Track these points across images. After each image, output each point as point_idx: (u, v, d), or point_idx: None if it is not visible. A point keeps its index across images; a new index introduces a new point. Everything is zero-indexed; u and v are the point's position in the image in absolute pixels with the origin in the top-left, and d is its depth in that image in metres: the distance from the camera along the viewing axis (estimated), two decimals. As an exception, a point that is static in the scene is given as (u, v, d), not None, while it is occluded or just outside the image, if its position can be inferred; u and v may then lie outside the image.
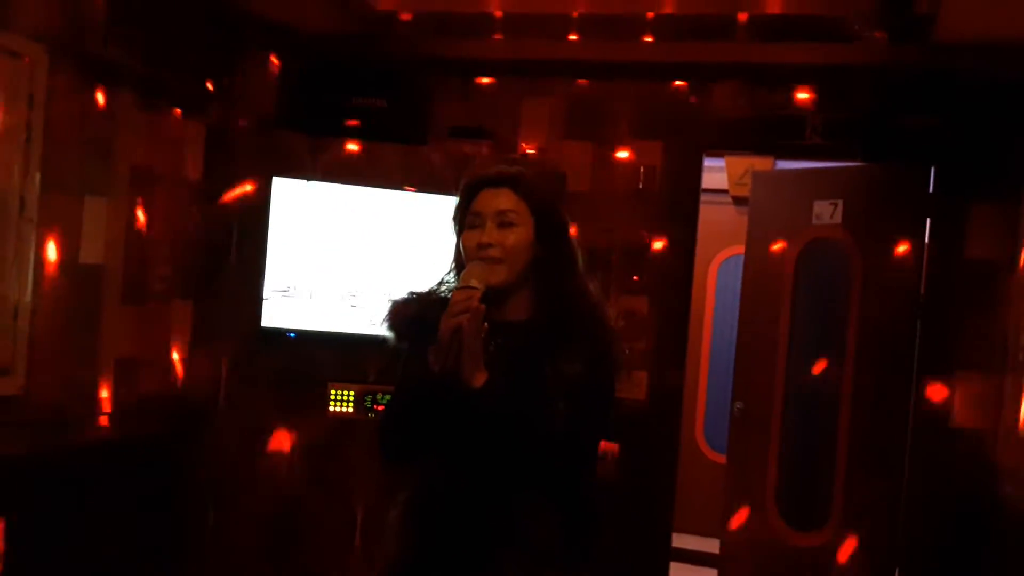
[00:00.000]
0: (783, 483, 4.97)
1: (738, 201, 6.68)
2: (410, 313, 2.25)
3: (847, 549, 4.68)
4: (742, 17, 4.48)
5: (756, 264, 5.17)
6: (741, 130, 4.73)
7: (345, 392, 4.60)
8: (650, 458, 4.73)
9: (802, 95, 4.64)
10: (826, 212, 4.85)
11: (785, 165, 5.83)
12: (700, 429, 7.07)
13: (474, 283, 2.08)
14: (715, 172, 6.46)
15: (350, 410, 4.61)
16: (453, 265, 2.30)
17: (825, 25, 4.35)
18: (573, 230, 2.30)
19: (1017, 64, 4.13)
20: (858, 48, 4.39)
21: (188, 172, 4.31)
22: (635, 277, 4.76)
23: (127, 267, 3.95)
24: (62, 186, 3.55)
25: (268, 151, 4.60)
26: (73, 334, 3.70)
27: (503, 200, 2.20)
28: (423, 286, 2.32)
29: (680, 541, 5.38)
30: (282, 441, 4.60)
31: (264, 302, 4.43)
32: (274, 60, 4.74)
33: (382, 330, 2.28)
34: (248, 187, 4.56)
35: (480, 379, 2.04)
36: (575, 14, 4.60)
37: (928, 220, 4.56)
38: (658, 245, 4.75)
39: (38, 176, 3.43)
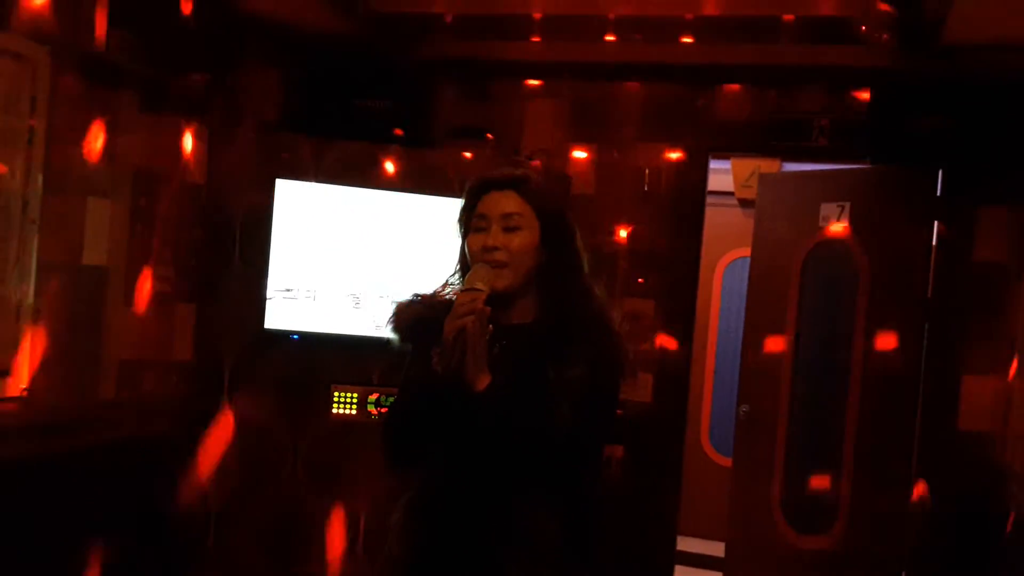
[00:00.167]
0: (789, 486, 4.96)
1: (744, 203, 6.67)
2: (414, 315, 2.26)
3: (853, 553, 4.67)
4: (748, 19, 4.48)
5: (762, 267, 5.17)
6: (747, 132, 4.73)
7: (348, 394, 4.60)
8: (655, 461, 4.73)
9: (809, 97, 4.64)
10: (833, 214, 4.85)
11: (792, 167, 5.83)
12: (705, 432, 7.06)
13: (479, 285, 2.08)
14: (721, 174, 6.45)
15: (353, 412, 4.61)
16: (458, 267, 2.30)
17: (832, 27, 4.35)
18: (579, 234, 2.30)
19: (1025, 66, 4.13)
20: (865, 50, 4.39)
21: (191, 174, 4.31)
22: (640, 280, 4.77)
23: (130, 269, 3.95)
24: (65, 188, 3.56)
25: (271, 153, 4.60)
26: (76, 336, 3.71)
27: (509, 203, 2.20)
28: (427, 288, 2.33)
29: (685, 544, 5.37)
30: (285, 443, 4.60)
31: (267, 303, 4.42)
32: (277, 61, 4.74)
33: (386, 332, 2.28)
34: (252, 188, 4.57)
35: (484, 381, 2.05)
36: (583, 16, 4.60)
37: (936, 223, 4.56)
38: (664, 248, 4.75)
39: (40, 178, 3.43)
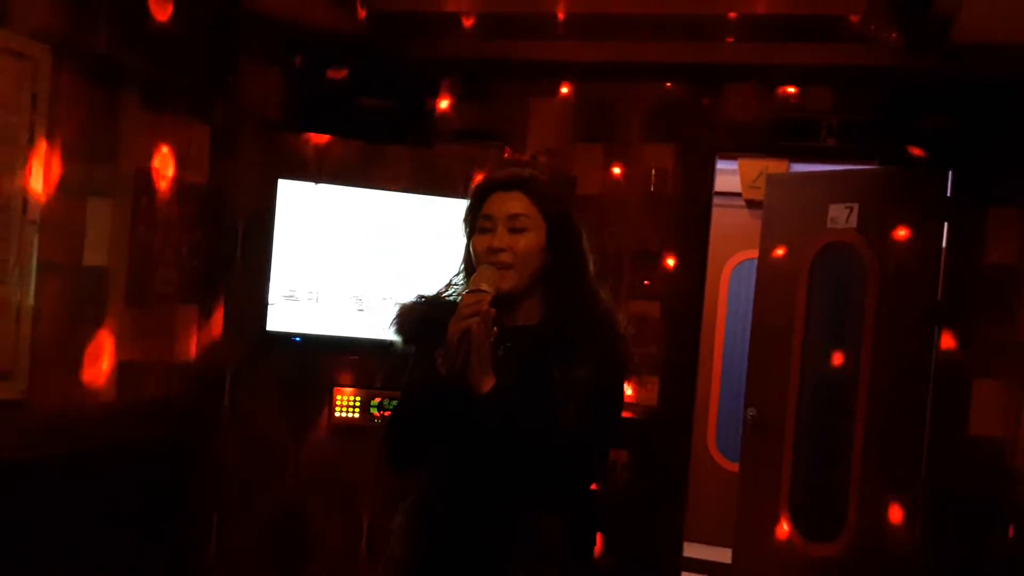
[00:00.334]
0: (797, 492, 4.96)
1: (751, 204, 6.67)
2: (418, 316, 2.27)
3: (862, 560, 4.67)
4: (756, 17, 4.48)
5: (770, 269, 5.17)
6: (755, 132, 4.73)
7: (351, 397, 4.61)
8: (661, 465, 4.73)
9: (817, 96, 4.64)
10: (841, 216, 4.85)
11: (800, 168, 5.83)
12: (712, 436, 7.06)
13: (484, 287, 2.08)
14: (728, 175, 6.46)
15: (356, 416, 4.61)
16: (462, 268, 2.31)
17: (841, 25, 4.35)
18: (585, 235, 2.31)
19: (1036, 66, 4.13)
20: (874, 49, 4.39)
21: (193, 174, 4.32)
22: (646, 282, 4.77)
23: (131, 270, 3.96)
24: (65, 188, 3.56)
25: (273, 153, 4.61)
26: (76, 338, 3.72)
27: (515, 204, 2.21)
28: (431, 289, 2.34)
29: (691, 550, 5.38)
30: (287, 447, 4.61)
31: (269, 304, 4.42)
32: (280, 60, 4.75)
33: (389, 334, 2.29)
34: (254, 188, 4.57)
35: (488, 383, 2.05)
36: (588, 14, 4.60)
37: (946, 224, 4.56)
38: (670, 249, 4.75)
39: (41, 178, 3.44)
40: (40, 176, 3.44)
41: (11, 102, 3.34)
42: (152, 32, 3.97)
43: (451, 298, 2.28)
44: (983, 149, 4.42)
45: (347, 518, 4.63)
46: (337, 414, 4.61)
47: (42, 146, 3.43)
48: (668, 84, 4.81)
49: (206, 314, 4.46)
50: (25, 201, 3.41)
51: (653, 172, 4.79)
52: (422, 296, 2.32)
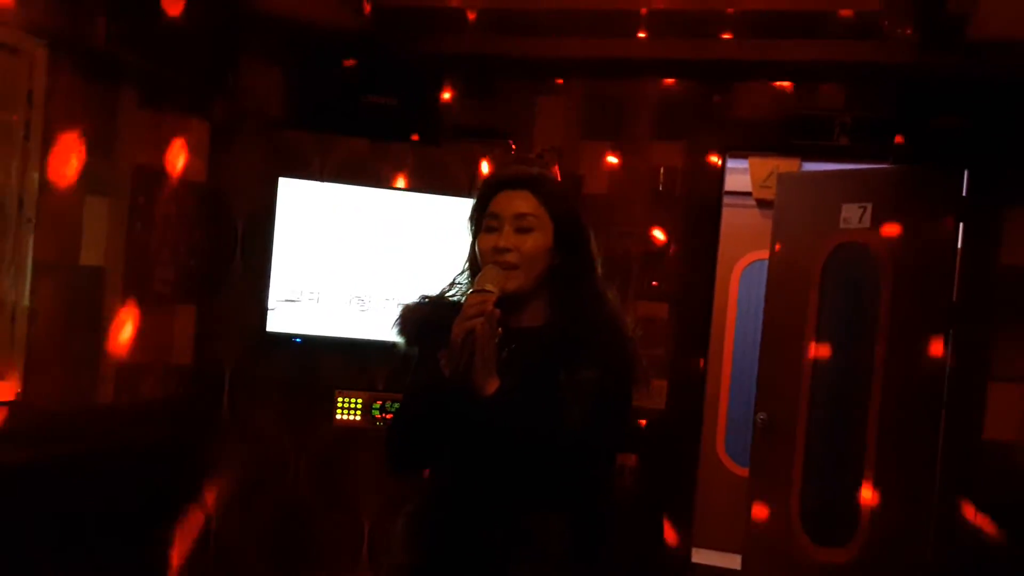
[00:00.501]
0: (808, 497, 4.95)
1: (762, 204, 6.65)
2: (421, 317, 2.26)
3: (874, 566, 4.65)
4: (767, 13, 4.47)
5: (781, 270, 5.16)
6: (766, 130, 4.73)
7: (352, 400, 4.60)
8: (669, 470, 4.72)
9: (830, 94, 4.63)
10: (854, 216, 4.84)
11: (812, 167, 5.81)
12: (721, 441, 7.04)
13: (489, 287, 2.08)
14: (738, 174, 6.45)
15: (358, 418, 4.61)
16: (467, 267, 2.30)
17: (854, 22, 4.34)
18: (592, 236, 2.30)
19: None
20: (888, 46, 4.38)
21: (192, 172, 4.32)
22: (654, 283, 4.76)
23: (128, 270, 3.96)
24: (62, 186, 3.56)
25: (275, 151, 4.61)
26: (73, 338, 3.72)
27: (522, 203, 2.20)
28: (434, 289, 2.33)
29: (700, 556, 5.36)
30: (287, 450, 4.61)
31: (269, 305, 4.42)
32: (281, 57, 4.74)
33: (392, 335, 2.28)
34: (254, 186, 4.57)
35: (492, 385, 2.05)
36: (595, 11, 4.60)
37: (961, 224, 4.55)
38: (679, 250, 4.74)
39: (37, 175, 3.45)
40: (36, 174, 3.44)
41: (7, 98, 3.34)
42: (151, 27, 3.97)
43: (455, 298, 2.27)
44: (999, 148, 4.40)
45: (348, 523, 4.63)
46: (339, 417, 4.60)
47: (38, 143, 3.43)
48: (677, 81, 4.79)
49: (205, 315, 4.46)
50: (21, 199, 3.42)
51: (661, 171, 4.78)
52: (425, 296, 2.31)
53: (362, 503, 4.60)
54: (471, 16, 4.63)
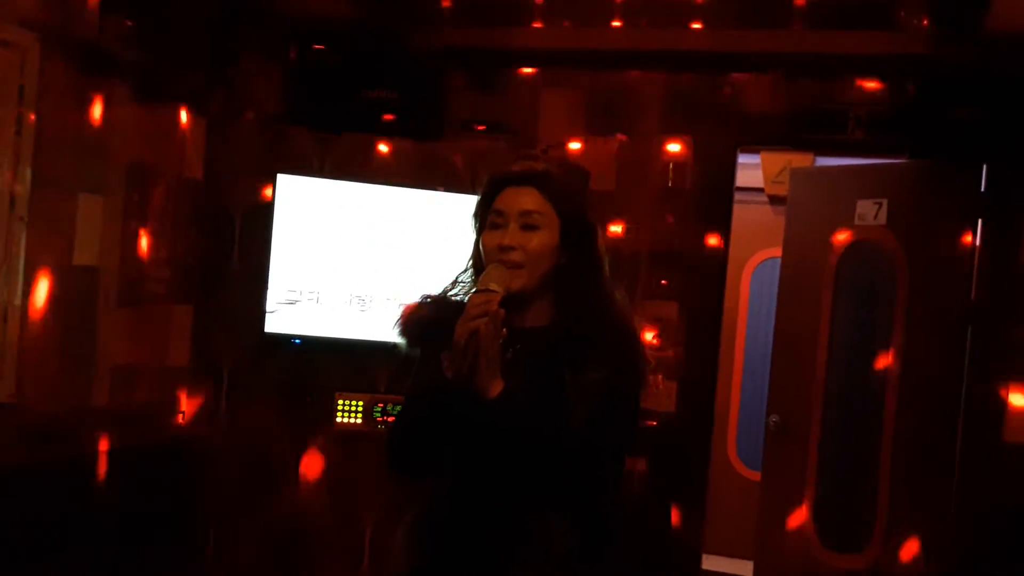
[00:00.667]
0: (822, 502, 4.94)
1: (775, 200, 6.65)
2: (423, 317, 2.26)
3: (890, 573, 4.65)
4: (779, 3, 4.46)
5: (794, 268, 5.15)
6: (778, 124, 4.71)
7: (353, 402, 4.61)
8: (679, 474, 4.71)
9: (844, 87, 4.62)
10: (869, 212, 4.83)
11: (825, 162, 5.81)
12: (733, 444, 7.04)
13: (493, 286, 2.08)
14: (750, 169, 6.44)
15: (358, 421, 4.61)
16: (471, 265, 2.30)
17: (869, 12, 4.33)
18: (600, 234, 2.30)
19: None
20: (905, 37, 4.37)
21: (188, 169, 4.32)
22: (664, 281, 4.75)
23: (123, 269, 3.97)
24: (55, 183, 3.57)
25: (273, 147, 4.62)
26: (66, 340, 3.72)
27: (528, 200, 2.20)
28: (437, 289, 2.33)
29: (711, 563, 5.36)
30: (286, 454, 4.61)
31: (268, 305, 4.42)
32: (279, 50, 4.74)
33: (393, 335, 2.28)
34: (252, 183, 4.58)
35: (496, 387, 2.04)
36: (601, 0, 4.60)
37: (979, 221, 4.53)
38: (688, 247, 4.73)
39: (29, 172, 3.45)
40: (28, 171, 3.45)
41: (-2, 93, 3.35)
42: (145, 20, 3.97)
43: (458, 298, 2.27)
44: (1019, 142, 4.38)
45: (349, 529, 4.63)
46: (339, 420, 4.61)
47: (30, 139, 3.44)
48: (687, 73, 4.78)
49: (201, 315, 4.47)
50: (12, 197, 3.42)
51: (671, 166, 4.77)
52: (427, 296, 2.31)
53: (363, 508, 4.61)
54: (473, 7, 4.63)
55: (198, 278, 4.43)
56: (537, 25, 4.72)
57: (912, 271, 4.69)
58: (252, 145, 4.59)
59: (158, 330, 4.23)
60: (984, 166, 4.53)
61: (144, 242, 4.08)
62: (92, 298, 3.84)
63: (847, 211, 4.90)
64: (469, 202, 2.32)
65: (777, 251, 5.47)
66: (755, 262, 7.03)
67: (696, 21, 4.59)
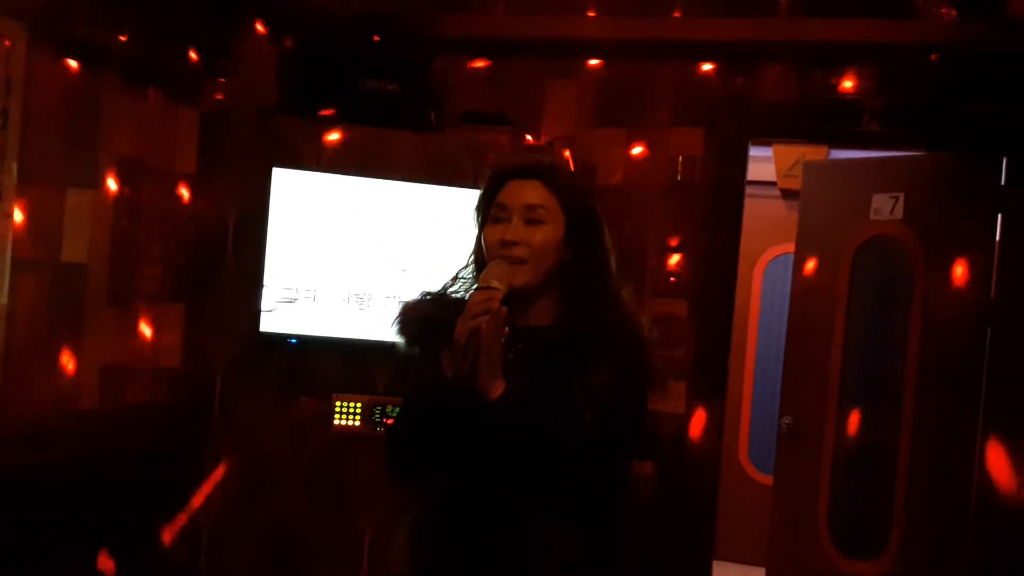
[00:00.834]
0: (836, 507, 4.94)
1: (787, 194, 6.65)
2: (422, 315, 2.26)
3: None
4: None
5: (807, 264, 5.14)
6: (791, 116, 4.71)
7: (351, 404, 4.60)
8: (689, 478, 4.71)
9: (859, 77, 4.61)
10: (886, 206, 4.82)
11: (840, 154, 5.80)
12: (744, 446, 7.04)
13: (495, 283, 2.07)
14: (762, 162, 6.43)
15: (357, 424, 4.60)
16: (472, 260, 2.30)
17: (886, -1, 4.33)
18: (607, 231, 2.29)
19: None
20: (922, 25, 4.36)
21: (180, 162, 4.32)
22: (672, 279, 4.75)
23: (113, 266, 3.96)
24: (42, 177, 3.56)
25: (268, 139, 4.60)
26: (54, 340, 3.71)
27: (532, 194, 2.20)
28: (437, 286, 2.32)
29: (721, 570, 5.36)
30: (282, 457, 4.60)
31: (263, 304, 4.41)
32: (275, 40, 4.74)
33: (392, 334, 2.27)
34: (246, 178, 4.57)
35: (498, 388, 2.04)
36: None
37: (999, 215, 4.53)
38: (698, 243, 4.73)
39: (15, 166, 3.44)
40: (15, 165, 3.44)
41: (-17, 84, 3.34)
42: (136, 10, 3.96)
43: (459, 295, 2.27)
44: (1041, 134, 4.39)
45: (347, 534, 4.62)
46: (337, 422, 4.60)
47: (16, 132, 3.43)
48: (697, 63, 4.77)
49: (194, 314, 4.46)
50: (-2, 192, 3.41)
51: (680, 159, 4.77)
52: (427, 293, 2.31)
53: (362, 513, 4.60)
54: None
55: (190, 276, 4.42)
56: (542, 14, 4.70)
57: (929, 267, 4.69)
58: (247, 138, 4.57)
59: (149, 330, 4.22)
60: (1004, 159, 4.53)
61: (135, 239, 4.07)
62: (81, 296, 3.83)
63: (862, 205, 4.90)
64: (471, 196, 2.32)
65: (790, 247, 5.46)
66: (767, 258, 7.03)
67: (706, 9, 4.57)
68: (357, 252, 4.52)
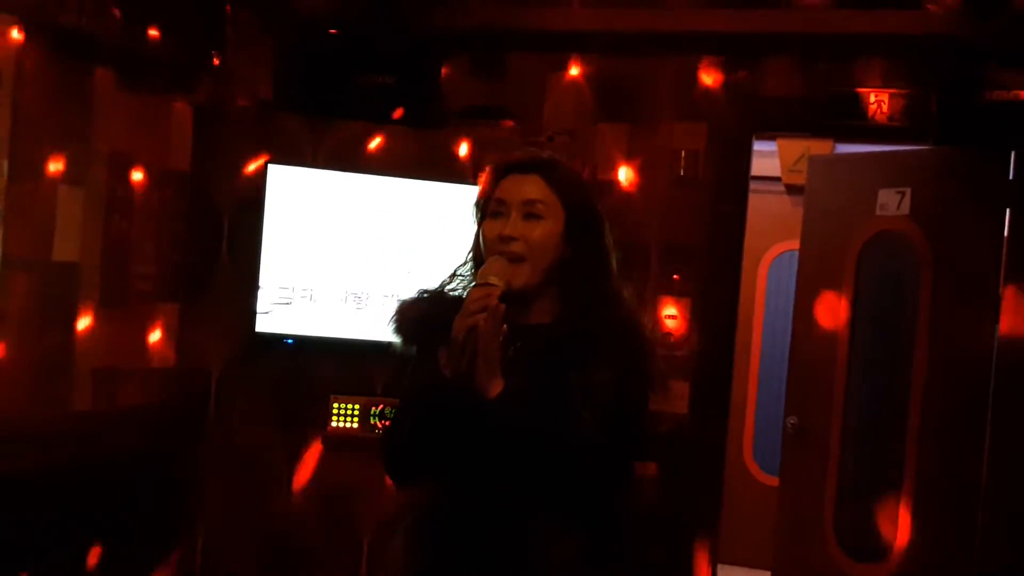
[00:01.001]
0: (843, 508, 4.93)
1: (792, 190, 6.65)
2: (419, 313, 2.26)
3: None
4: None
5: (812, 261, 5.14)
6: (795, 109, 4.70)
7: (349, 405, 4.60)
8: (692, 480, 4.70)
9: (866, 70, 4.60)
10: (892, 202, 4.81)
11: (845, 149, 5.80)
12: (749, 447, 7.04)
13: (493, 280, 2.07)
14: (766, 157, 6.44)
15: (355, 426, 4.60)
16: (471, 257, 2.30)
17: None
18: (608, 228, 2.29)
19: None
20: (930, 16, 4.35)
21: (174, 159, 4.31)
22: (675, 276, 4.74)
23: (105, 265, 3.95)
24: (33, 174, 3.55)
25: (264, 135, 4.60)
26: (45, 340, 3.71)
27: (532, 188, 2.20)
28: (434, 283, 2.32)
29: (726, 574, 5.35)
30: (279, 460, 4.60)
31: (259, 303, 4.41)
32: (270, 34, 4.74)
33: (388, 333, 2.27)
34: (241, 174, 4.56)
35: (496, 387, 2.03)
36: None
37: (1008, 211, 4.51)
38: (701, 240, 4.72)
39: (6, 163, 3.44)
40: (5, 162, 3.44)
41: (-28, 79, 3.33)
42: (130, 3, 3.95)
43: (456, 293, 2.27)
44: (1051, 128, 4.38)
45: (345, 538, 4.62)
46: (334, 424, 4.60)
47: (7, 128, 3.42)
48: (700, 56, 4.77)
49: (189, 314, 4.46)
50: (-12, 189, 3.41)
51: (683, 154, 4.76)
52: (424, 291, 2.31)
53: (360, 517, 4.60)
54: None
55: (185, 275, 4.42)
56: (543, 6, 4.70)
57: (937, 263, 4.68)
58: (242, 133, 4.58)
59: (143, 330, 4.22)
60: (1013, 153, 4.52)
61: (128, 237, 4.07)
62: (72, 296, 3.82)
63: (868, 201, 4.89)
64: (470, 193, 2.32)
65: (795, 243, 5.46)
66: (772, 255, 7.03)
67: (709, 0, 4.57)
68: (354, 250, 4.51)
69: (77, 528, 3.80)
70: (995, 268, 4.52)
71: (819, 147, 6.10)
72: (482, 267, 2.14)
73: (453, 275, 2.31)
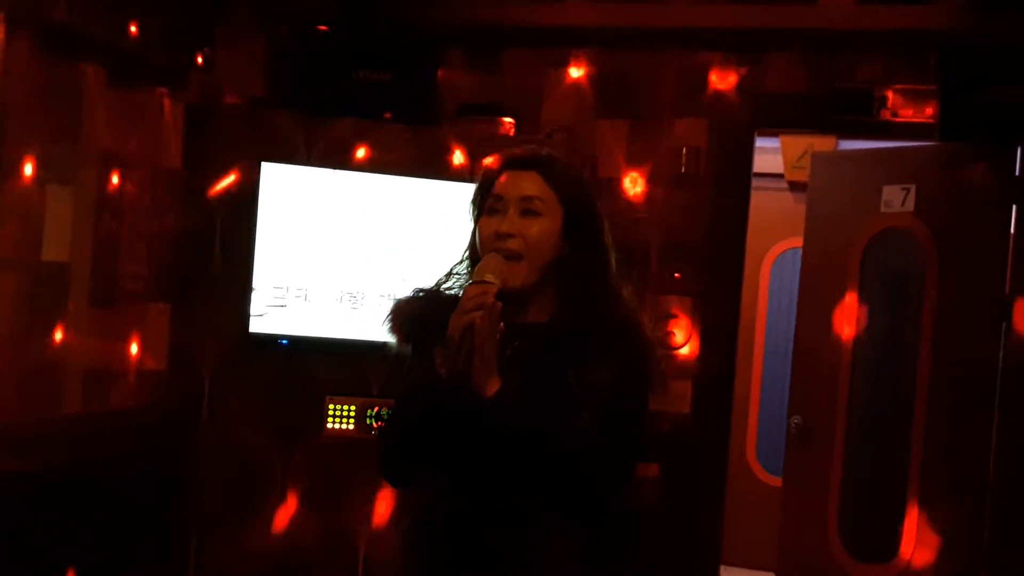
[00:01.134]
0: (847, 509, 4.93)
1: (795, 187, 6.64)
2: (415, 312, 2.25)
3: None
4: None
5: (816, 259, 5.14)
6: (799, 105, 4.71)
7: (345, 407, 4.59)
8: (695, 480, 4.71)
9: (869, 65, 4.60)
10: (897, 198, 4.81)
11: (849, 145, 5.79)
12: (752, 447, 7.04)
13: (489, 278, 2.06)
14: (769, 154, 6.42)
15: (351, 427, 4.59)
16: (467, 255, 2.29)
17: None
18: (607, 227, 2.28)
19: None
20: (934, 11, 4.35)
21: (165, 157, 4.30)
22: (677, 275, 4.75)
23: (95, 265, 3.94)
24: (21, 173, 3.54)
25: (256, 133, 4.59)
26: (34, 342, 3.69)
27: (529, 185, 2.19)
28: (430, 282, 2.32)
29: (729, 575, 5.35)
30: (273, 463, 4.59)
31: (252, 303, 4.40)
32: (263, 30, 4.73)
33: (383, 332, 2.26)
34: (234, 174, 4.55)
35: (493, 386, 2.02)
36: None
37: (1014, 207, 4.52)
38: (703, 238, 4.72)
39: (-7, 162, 3.43)
40: (-8, 160, 3.42)
41: (-41, 76, 3.32)
42: (119, -1, 3.95)
43: (452, 292, 2.26)
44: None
45: (342, 541, 4.61)
46: (330, 425, 4.59)
47: (-6, 126, 3.41)
48: (701, 52, 4.76)
49: (181, 314, 4.44)
50: (-25, 188, 3.40)
51: (684, 151, 4.77)
52: (419, 290, 2.30)
53: (356, 519, 4.59)
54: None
55: (177, 275, 4.41)
56: (542, 2, 4.69)
57: (942, 261, 4.68)
58: (234, 131, 4.56)
59: (134, 331, 4.20)
60: (1019, 148, 4.53)
61: (118, 237, 4.05)
62: (62, 297, 3.81)
63: (873, 198, 4.89)
64: (467, 191, 2.31)
65: (798, 241, 5.46)
66: (775, 253, 7.03)
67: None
68: (350, 249, 4.51)
69: (69, 532, 3.78)
70: (1001, 265, 4.53)
71: (822, 143, 6.09)
72: (479, 264, 2.13)
73: (449, 273, 2.30)
